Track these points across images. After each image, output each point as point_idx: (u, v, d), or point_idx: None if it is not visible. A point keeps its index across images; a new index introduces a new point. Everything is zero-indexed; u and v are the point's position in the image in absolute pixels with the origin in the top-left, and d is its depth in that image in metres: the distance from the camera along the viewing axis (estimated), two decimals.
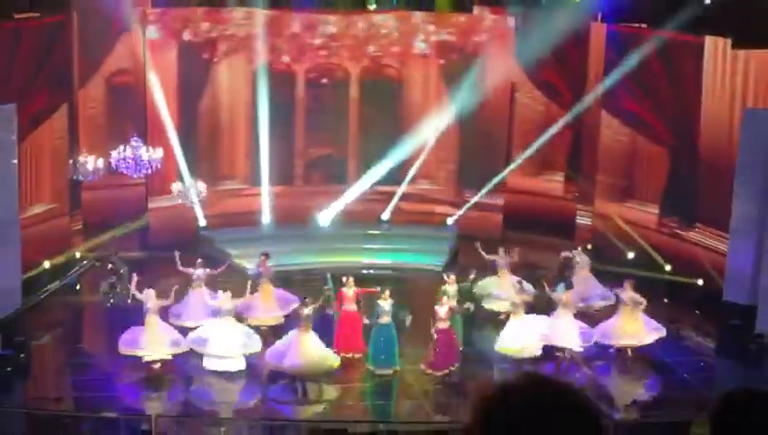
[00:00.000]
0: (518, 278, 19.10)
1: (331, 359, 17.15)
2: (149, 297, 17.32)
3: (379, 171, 24.85)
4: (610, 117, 23.52)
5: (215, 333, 17.40)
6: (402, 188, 25.04)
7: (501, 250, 20.42)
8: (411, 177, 25.06)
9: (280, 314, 19.17)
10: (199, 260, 19.34)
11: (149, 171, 19.83)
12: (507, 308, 18.83)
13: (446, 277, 18.77)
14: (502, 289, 19.64)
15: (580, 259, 20.51)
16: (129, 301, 18.54)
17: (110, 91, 23.57)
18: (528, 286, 19.17)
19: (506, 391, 3.59)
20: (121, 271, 19.65)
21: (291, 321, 18.34)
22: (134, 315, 17.75)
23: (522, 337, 17.81)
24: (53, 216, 22.02)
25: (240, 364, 17.50)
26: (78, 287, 21.45)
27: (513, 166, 24.98)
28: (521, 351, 17.77)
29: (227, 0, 23.85)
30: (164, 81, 23.45)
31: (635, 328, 18.34)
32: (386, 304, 17.64)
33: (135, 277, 17.84)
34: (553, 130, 24.43)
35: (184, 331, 17.96)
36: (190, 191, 21.10)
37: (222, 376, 17.43)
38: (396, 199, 25.03)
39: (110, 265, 20.10)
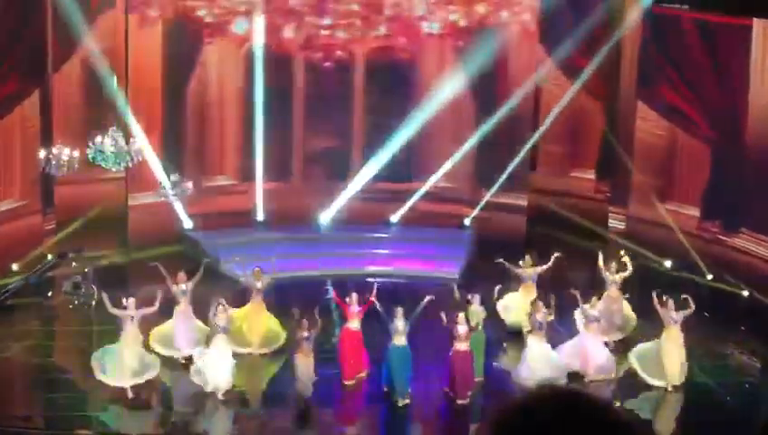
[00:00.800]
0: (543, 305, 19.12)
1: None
2: (130, 308, 17.72)
3: (386, 167, 25.10)
4: (647, 109, 23.76)
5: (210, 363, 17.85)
6: (414, 187, 25.28)
7: (527, 257, 20.62)
8: (424, 174, 25.28)
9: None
10: (181, 273, 19.56)
11: (130, 164, 20.07)
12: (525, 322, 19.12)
13: (469, 298, 19.02)
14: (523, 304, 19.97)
15: (613, 276, 20.53)
16: (94, 303, 18.96)
17: (88, 76, 23.83)
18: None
19: (528, 405, 3.76)
20: (85, 269, 19.91)
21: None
22: (110, 322, 18.14)
23: (542, 369, 18.17)
24: (23, 214, 22.36)
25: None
26: (49, 293, 21.70)
27: (521, 156, 24.92)
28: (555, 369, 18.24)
29: None
30: (148, 64, 23.74)
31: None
32: (399, 322, 17.90)
33: (105, 295, 18.11)
34: (583, 121, 24.62)
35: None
36: (173, 188, 21.37)
37: (211, 397, 17.78)
38: (413, 200, 25.22)
39: (73, 263, 20.33)
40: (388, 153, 25.02)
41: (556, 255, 20.41)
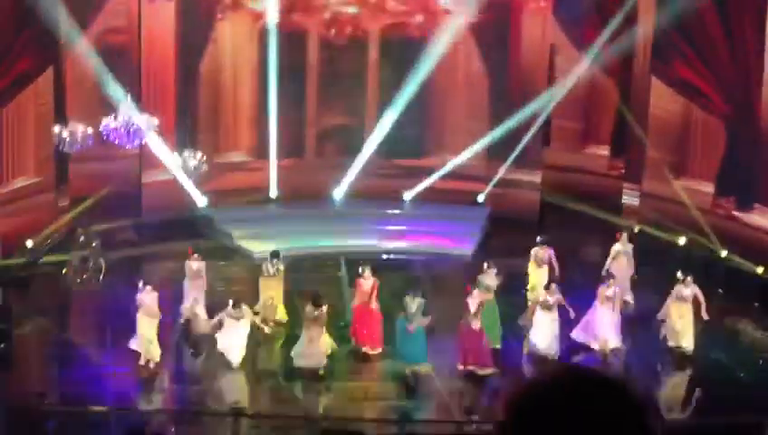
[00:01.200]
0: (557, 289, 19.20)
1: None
2: (146, 293, 17.94)
3: (401, 143, 25.13)
4: (661, 84, 23.70)
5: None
6: (427, 163, 25.31)
7: (537, 239, 20.68)
8: (438, 150, 25.30)
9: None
10: (195, 254, 19.69)
11: (144, 141, 20.09)
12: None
13: (485, 265, 19.06)
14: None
15: (621, 247, 20.74)
16: (101, 277, 19.13)
17: (101, 53, 23.80)
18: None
19: (543, 384, 3.80)
20: (93, 244, 19.98)
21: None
22: (125, 301, 18.26)
23: (552, 338, 18.30)
24: (38, 190, 22.45)
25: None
26: (63, 271, 21.74)
27: (532, 134, 24.82)
28: (549, 346, 18.33)
29: None
30: (161, 40, 23.79)
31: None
32: (414, 303, 17.92)
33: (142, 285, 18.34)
34: (597, 96, 24.61)
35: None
36: (188, 162, 21.40)
37: (226, 370, 17.87)
38: (432, 180, 25.22)
39: (81, 238, 20.41)
40: (402, 130, 25.03)
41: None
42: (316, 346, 17.69)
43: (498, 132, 24.62)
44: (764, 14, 21.45)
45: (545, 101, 24.46)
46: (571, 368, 3.96)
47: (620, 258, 20.66)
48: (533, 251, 20.60)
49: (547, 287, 19.04)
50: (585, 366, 16.58)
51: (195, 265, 19.48)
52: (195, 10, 24.37)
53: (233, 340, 17.91)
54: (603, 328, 18.68)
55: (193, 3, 24.32)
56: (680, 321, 18.85)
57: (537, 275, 20.40)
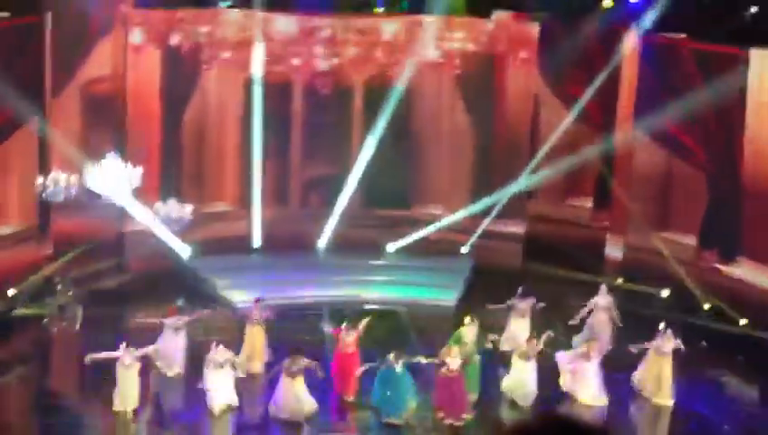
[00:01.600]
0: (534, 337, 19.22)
1: (309, 404, 17.65)
2: (127, 354, 17.91)
3: (385, 193, 25.23)
4: (644, 137, 23.83)
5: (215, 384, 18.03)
6: (410, 213, 25.40)
7: (519, 290, 20.67)
8: (422, 201, 25.38)
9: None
10: (179, 303, 19.67)
11: (128, 191, 20.12)
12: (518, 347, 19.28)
13: (467, 320, 19.07)
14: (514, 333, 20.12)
15: (602, 300, 20.78)
16: (78, 326, 19.07)
17: (86, 102, 23.93)
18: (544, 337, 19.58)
19: (532, 430, 3.78)
20: (70, 292, 19.96)
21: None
22: (105, 349, 18.23)
23: (529, 382, 18.38)
24: (20, 239, 22.40)
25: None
26: (44, 320, 21.56)
27: (520, 187, 25.08)
28: (524, 396, 18.34)
29: (217, 1, 24.10)
30: (146, 90, 23.86)
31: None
32: (397, 367, 17.89)
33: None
34: (581, 149, 24.76)
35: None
36: (172, 213, 21.38)
37: (206, 418, 17.80)
38: (401, 226, 25.31)
39: (58, 286, 20.38)
40: (386, 180, 25.17)
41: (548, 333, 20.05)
42: (297, 398, 17.66)
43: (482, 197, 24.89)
44: (746, 71, 21.64)
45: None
46: (558, 416, 3.99)
47: (599, 312, 20.66)
48: (514, 302, 20.60)
49: (529, 338, 19.06)
50: (569, 414, 16.69)
51: (178, 322, 19.41)
52: (181, 60, 24.46)
53: (216, 386, 17.89)
54: (585, 381, 18.70)
55: (179, 52, 24.42)
56: (659, 375, 18.86)
57: (518, 326, 20.39)
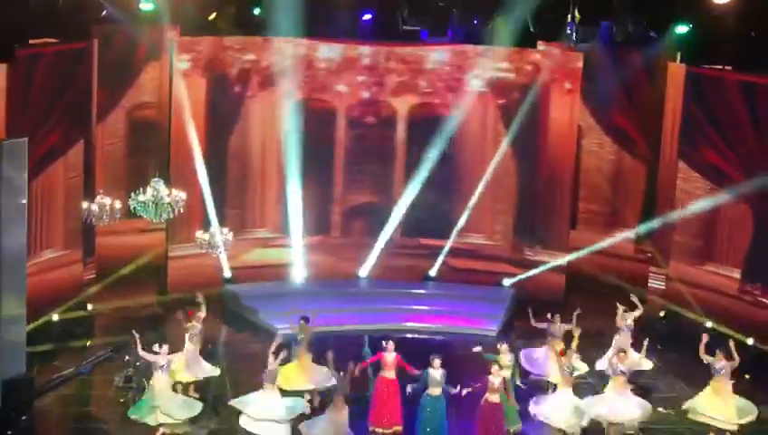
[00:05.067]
0: (569, 364, 19.18)
1: None
2: (162, 355, 18.04)
3: (427, 223, 25.28)
4: (688, 169, 23.76)
5: (258, 396, 18.08)
6: (452, 243, 25.44)
7: (556, 317, 20.56)
8: (458, 229, 25.42)
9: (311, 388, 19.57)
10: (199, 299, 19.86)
11: (171, 216, 20.25)
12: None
13: (498, 346, 19.03)
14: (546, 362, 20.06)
15: (623, 321, 20.66)
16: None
17: (132, 127, 24.18)
18: (580, 365, 19.52)
19: None
20: (138, 363, 20.07)
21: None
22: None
23: (565, 412, 18.37)
24: (65, 263, 22.56)
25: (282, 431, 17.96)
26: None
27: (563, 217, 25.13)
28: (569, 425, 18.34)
29: (263, 29, 24.26)
30: (191, 116, 24.00)
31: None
32: (436, 372, 17.82)
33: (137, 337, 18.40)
34: (623, 180, 24.74)
35: None
36: (215, 238, 21.47)
37: None
38: (443, 255, 25.39)
39: (126, 357, 20.47)
40: (428, 209, 25.22)
41: (577, 312, 20.36)
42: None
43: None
44: None
45: None
46: None
47: (623, 333, 20.57)
48: (550, 328, 20.50)
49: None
50: None
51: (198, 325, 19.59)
52: (226, 87, 24.65)
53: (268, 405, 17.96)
54: (620, 402, 18.67)
55: (223, 80, 24.60)
56: (719, 396, 18.87)
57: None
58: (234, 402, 18.30)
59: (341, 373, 17.60)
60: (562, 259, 25.30)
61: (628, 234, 25.75)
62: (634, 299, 20.96)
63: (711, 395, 19.16)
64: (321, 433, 17.54)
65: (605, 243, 25.63)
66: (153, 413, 18.09)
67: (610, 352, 20.16)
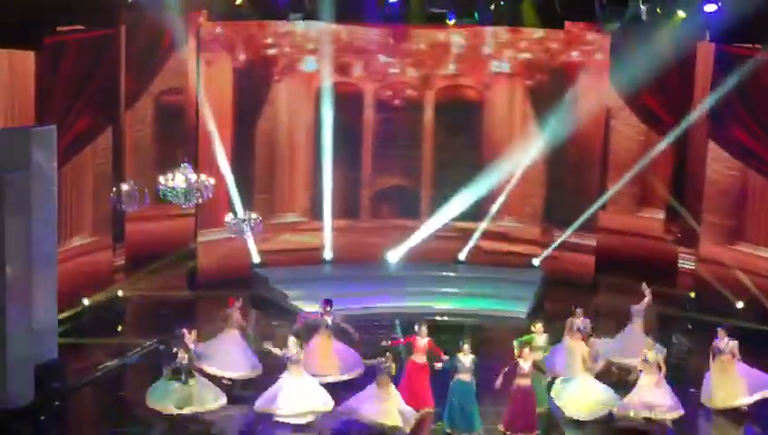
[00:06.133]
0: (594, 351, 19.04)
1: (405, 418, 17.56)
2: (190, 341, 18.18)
3: (456, 205, 25.30)
4: (718, 148, 23.66)
5: (285, 388, 17.93)
6: (483, 226, 25.46)
7: (578, 311, 20.19)
8: (494, 213, 25.43)
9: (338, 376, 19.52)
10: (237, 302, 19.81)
11: (200, 201, 20.34)
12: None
13: (533, 327, 18.96)
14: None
15: (638, 307, 20.45)
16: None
17: (159, 113, 24.30)
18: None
19: None
20: (185, 357, 20.12)
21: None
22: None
23: (587, 397, 18.26)
24: (95, 249, 22.71)
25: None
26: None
27: (604, 199, 25.16)
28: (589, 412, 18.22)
29: (290, 13, 24.25)
30: (218, 101, 24.11)
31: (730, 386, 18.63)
32: (466, 358, 17.82)
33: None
34: (652, 161, 24.67)
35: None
36: (243, 223, 21.52)
37: (285, 429, 17.87)
38: (474, 239, 25.43)
39: (174, 350, 20.56)
40: (458, 192, 25.25)
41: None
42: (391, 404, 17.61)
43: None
44: None
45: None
46: None
47: (637, 320, 20.41)
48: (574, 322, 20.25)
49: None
50: None
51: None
52: (252, 72, 24.71)
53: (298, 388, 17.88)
54: (652, 394, 18.38)
55: (251, 65, 24.66)
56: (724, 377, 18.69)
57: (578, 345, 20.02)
58: (259, 408, 17.97)
59: (383, 357, 17.56)
60: (591, 240, 25.26)
61: (658, 214, 25.69)
62: (644, 288, 20.66)
63: (720, 378, 18.78)
64: (369, 413, 17.53)
65: (634, 223, 25.59)
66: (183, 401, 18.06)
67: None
